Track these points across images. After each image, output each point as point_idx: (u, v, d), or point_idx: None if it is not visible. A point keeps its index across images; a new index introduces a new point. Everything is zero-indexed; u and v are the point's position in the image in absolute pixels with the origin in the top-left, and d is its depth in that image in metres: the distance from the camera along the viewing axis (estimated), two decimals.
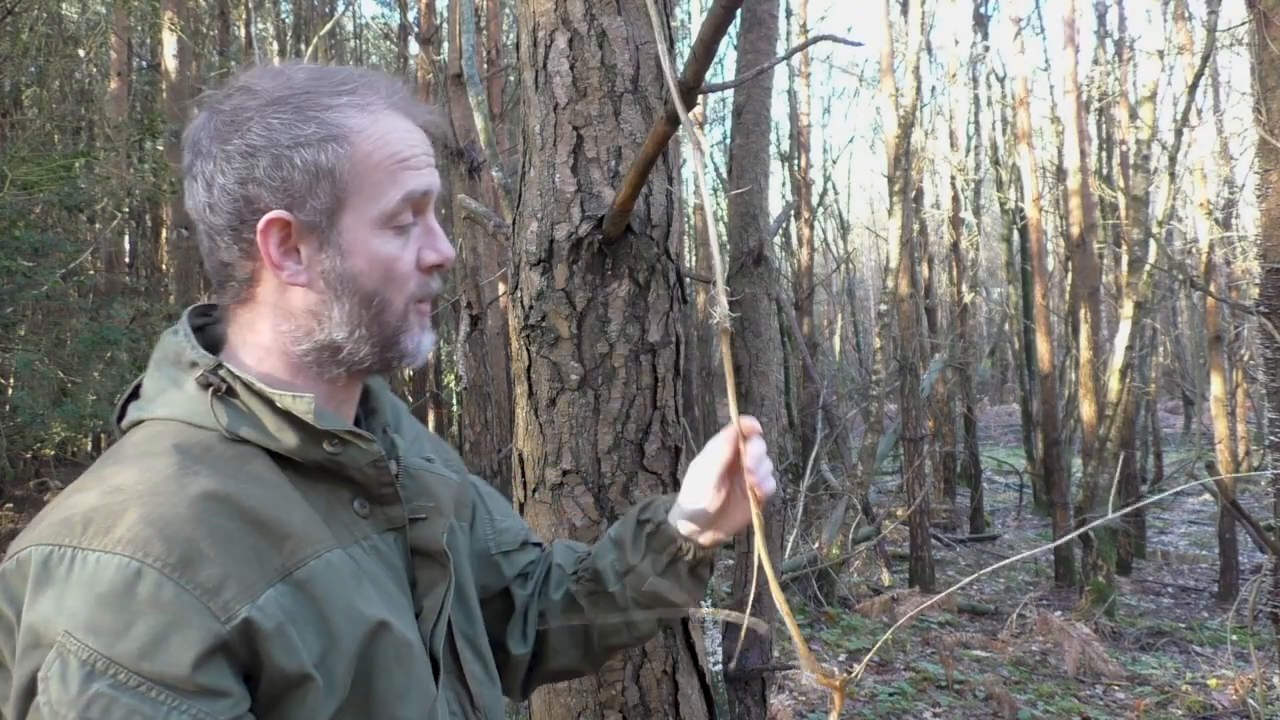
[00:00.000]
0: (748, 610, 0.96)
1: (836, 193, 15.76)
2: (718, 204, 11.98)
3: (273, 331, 0.86)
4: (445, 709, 0.88)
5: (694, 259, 13.71)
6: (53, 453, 9.51)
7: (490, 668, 0.98)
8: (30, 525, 0.75)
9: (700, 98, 1.83)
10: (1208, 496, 13.31)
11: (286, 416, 0.81)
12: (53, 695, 0.66)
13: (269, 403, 0.81)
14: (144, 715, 0.67)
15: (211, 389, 0.81)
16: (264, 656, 0.72)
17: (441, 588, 0.89)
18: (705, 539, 1.03)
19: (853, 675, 0.84)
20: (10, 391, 7.67)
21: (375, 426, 0.95)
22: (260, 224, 0.82)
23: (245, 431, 0.80)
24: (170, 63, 9.93)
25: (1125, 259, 8.50)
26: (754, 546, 3.53)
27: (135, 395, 0.86)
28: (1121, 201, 11.27)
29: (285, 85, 0.84)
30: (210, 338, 0.88)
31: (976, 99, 15.06)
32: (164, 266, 11.23)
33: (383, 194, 0.84)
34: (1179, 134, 8.79)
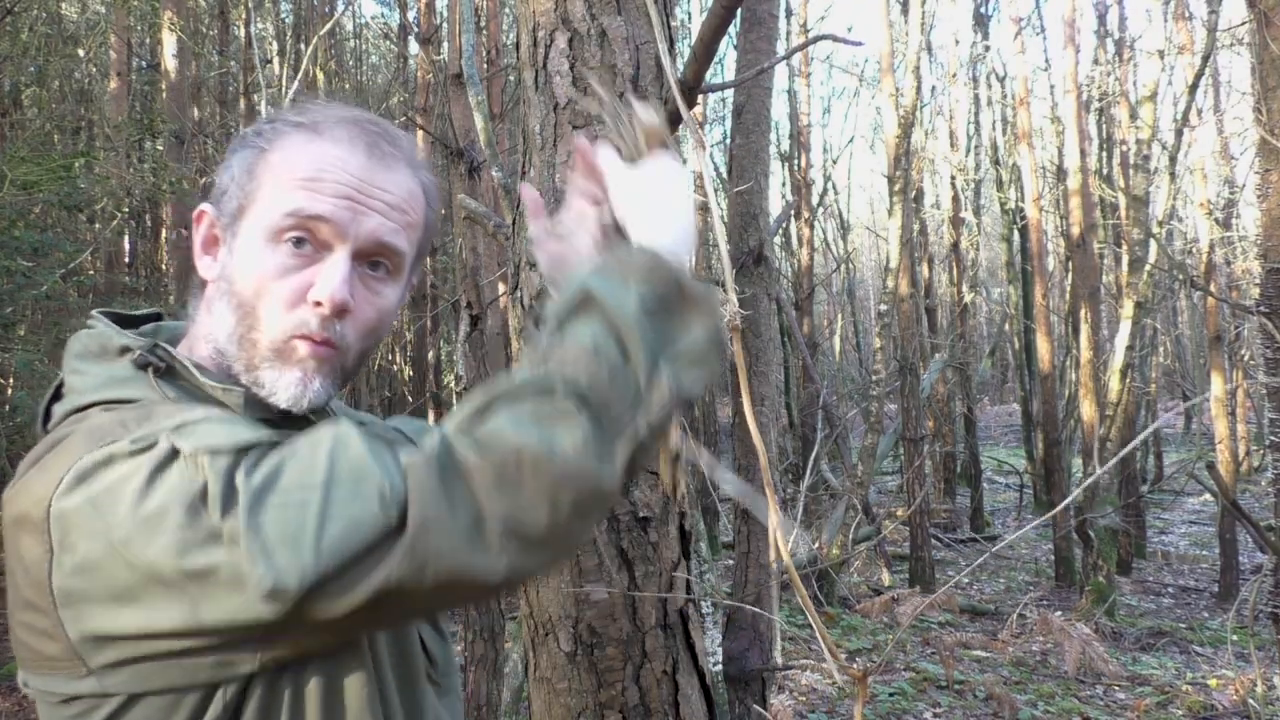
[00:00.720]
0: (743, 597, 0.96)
1: (836, 193, 15.76)
2: (719, 204, 11.96)
3: (201, 323, 0.87)
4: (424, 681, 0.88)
5: (694, 259, 13.70)
6: None
7: (445, 635, 0.97)
8: (18, 490, 0.73)
9: (700, 97, 1.83)
10: (1208, 496, 13.31)
11: (219, 404, 0.81)
12: (222, 439, 0.68)
13: (199, 389, 0.81)
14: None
15: (150, 368, 0.80)
16: None
17: None
18: None
19: (876, 666, 0.85)
20: (10, 391, 7.67)
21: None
22: (195, 215, 0.88)
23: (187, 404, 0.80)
24: (170, 63, 9.93)
25: (1125, 259, 8.50)
26: (753, 547, 3.54)
27: (57, 398, 0.83)
28: (1122, 201, 11.27)
29: (293, 110, 0.87)
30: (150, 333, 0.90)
31: (976, 99, 15.07)
32: (164, 266, 11.22)
33: (273, 205, 0.82)
34: (1179, 134, 8.79)
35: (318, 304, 0.81)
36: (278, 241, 0.82)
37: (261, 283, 0.82)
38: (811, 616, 0.75)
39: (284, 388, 0.82)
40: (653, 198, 0.87)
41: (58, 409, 0.81)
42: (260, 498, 0.64)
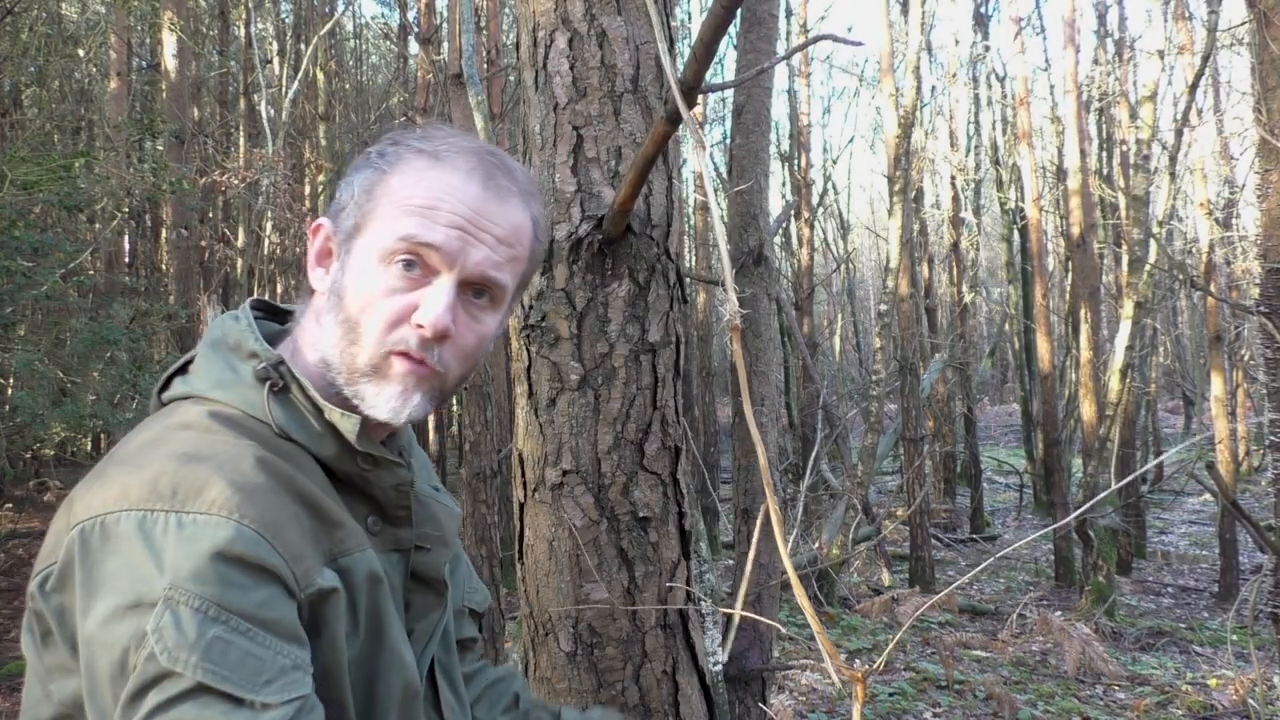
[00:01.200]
0: (739, 605, 0.96)
1: (836, 193, 15.77)
2: (719, 204, 11.97)
3: (309, 331, 0.90)
4: None
5: (694, 259, 13.71)
6: (52, 453, 9.51)
7: (463, 702, 1.00)
8: (89, 488, 0.76)
9: (700, 97, 1.83)
10: (1208, 496, 13.31)
11: (330, 428, 0.84)
12: (169, 642, 0.67)
13: (319, 411, 0.84)
14: (256, 657, 0.69)
15: (269, 383, 0.83)
16: (323, 628, 0.76)
17: (435, 615, 0.92)
18: None
19: (875, 667, 0.85)
20: (10, 391, 7.67)
21: (393, 447, 0.96)
22: (311, 227, 0.92)
23: (294, 433, 0.83)
24: (170, 63, 9.93)
25: (1125, 259, 8.50)
26: (754, 547, 3.54)
27: (183, 371, 0.88)
28: (1121, 201, 11.28)
29: (416, 135, 0.90)
30: (268, 331, 0.92)
31: (976, 99, 15.07)
32: (164, 266, 11.23)
33: (389, 228, 0.85)
34: (1179, 134, 8.79)
35: (420, 326, 0.84)
36: (389, 263, 0.84)
37: (369, 299, 0.84)
38: (815, 624, 0.75)
39: (384, 401, 0.85)
40: None
41: (178, 384, 0.86)
42: None
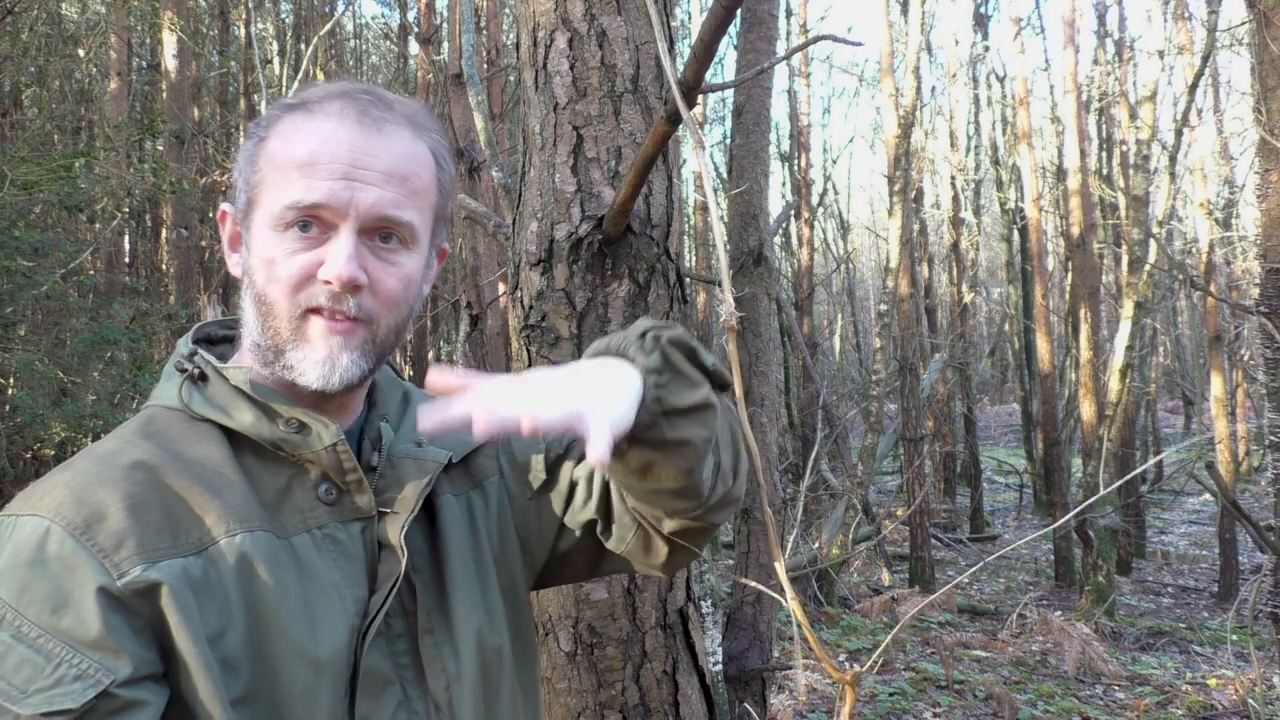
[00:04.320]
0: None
1: (836, 193, 15.76)
2: (719, 204, 11.97)
3: (245, 323, 0.89)
4: (390, 711, 0.83)
5: (694, 259, 13.71)
6: (53, 453, 9.49)
7: (487, 659, 0.91)
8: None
9: (700, 97, 1.83)
10: (1208, 496, 13.31)
11: (240, 393, 0.83)
12: None
13: (225, 379, 0.84)
14: (34, 665, 0.69)
15: (185, 374, 0.85)
16: (167, 621, 0.73)
17: (389, 583, 0.84)
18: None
19: (864, 669, 0.85)
20: (10, 391, 7.67)
21: (374, 419, 0.93)
22: (219, 215, 0.92)
23: (199, 407, 0.83)
24: (170, 63, 9.93)
25: (1125, 259, 8.50)
26: (753, 547, 3.53)
27: None
28: (1121, 201, 11.27)
29: (291, 95, 0.89)
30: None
31: (976, 99, 15.07)
32: (164, 266, 11.23)
33: (275, 197, 0.83)
34: (1179, 134, 8.79)
35: (327, 283, 0.82)
36: (283, 230, 0.83)
37: (271, 269, 0.83)
38: (805, 626, 0.75)
39: (311, 366, 0.82)
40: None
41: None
42: None
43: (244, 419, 0.82)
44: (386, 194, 0.83)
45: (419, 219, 0.86)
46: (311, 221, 0.82)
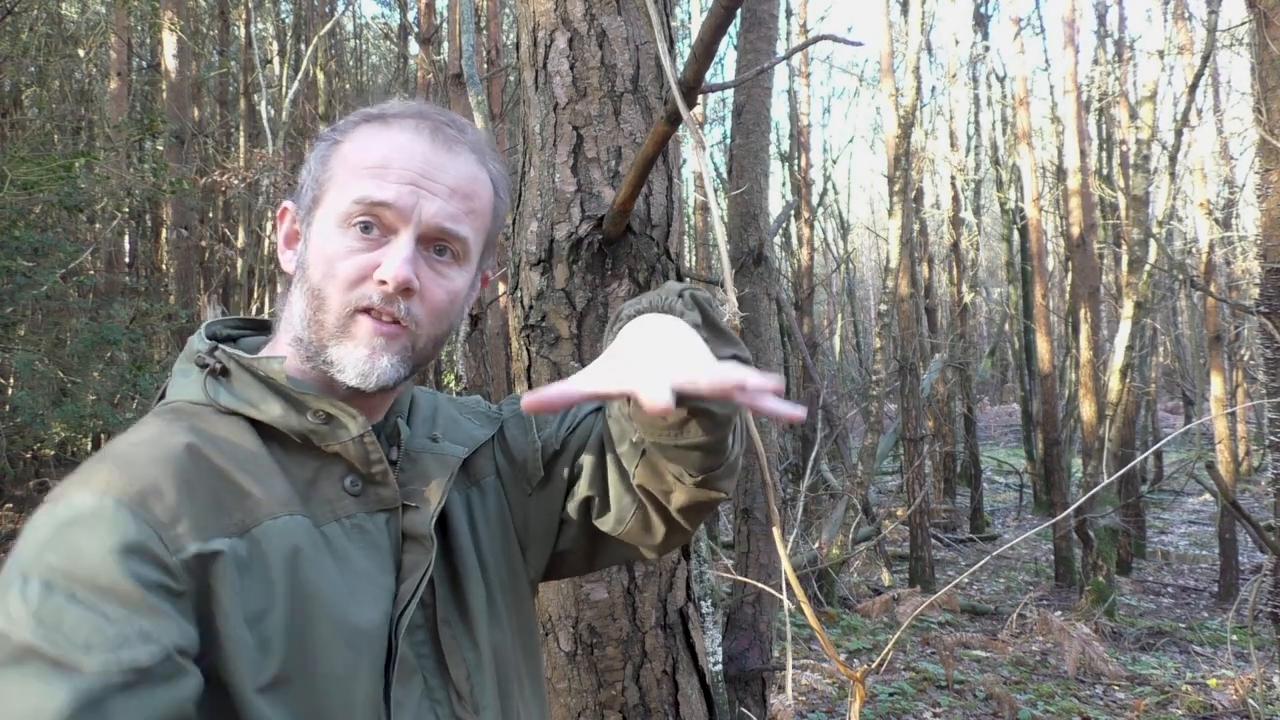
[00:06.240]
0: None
1: (836, 193, 15.77)
2: (719, 204, 11.97)
3: (283, 316, 0.91)
4: (416, 699, 0.85)
5: (694, 259, 13.71)
6: (53, 453, 9.51)
7: (504, 655, 0.94)
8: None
9: (700, 97, 1.83)
10: (1208, 496, 13.32)
11: (269, 385, 0.84)
12: (12, 611, 0.67)
13: (253, 373, 0.85)
14: (91, 625, 0.68)
15: (206, 369, 0.86)
16: (214, 598, 0.74)
17: (419, 573, 0.87)
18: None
19: (873, 667, 0.85)
20: (10, 391, 7.67)
21: (391, 416, 0.95)
22: (279, 212, 0.94)
23: (226, 400, 0.84)
24: (170, 63, 9.93)
25: (1125, 259, 8.50)
26: (753, 547, 3.53)
27: (163, 398, 0.90)
28: (1121, 201, 11.28)
29: (369, 107, 0.92)
30: (256, 343, 0.95)
31: (976, 99, 15.07)
32: (164, 266, 11.22)
33: (343, 193, 0.86)
34: (1179, 134, 8.80)
35: (382, 282, 0.84)
36: (346, 227, 0.85)
37: (331, 265, 0.85)
38: (817, 628, 0.75)
39: (352, 364, 0.84)
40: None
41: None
42: None
43: (272, 411, 0.84)
44: (449, 207, 0.87)
45: (474, 237, 0.90)
46: (373, 223, 0.85)
